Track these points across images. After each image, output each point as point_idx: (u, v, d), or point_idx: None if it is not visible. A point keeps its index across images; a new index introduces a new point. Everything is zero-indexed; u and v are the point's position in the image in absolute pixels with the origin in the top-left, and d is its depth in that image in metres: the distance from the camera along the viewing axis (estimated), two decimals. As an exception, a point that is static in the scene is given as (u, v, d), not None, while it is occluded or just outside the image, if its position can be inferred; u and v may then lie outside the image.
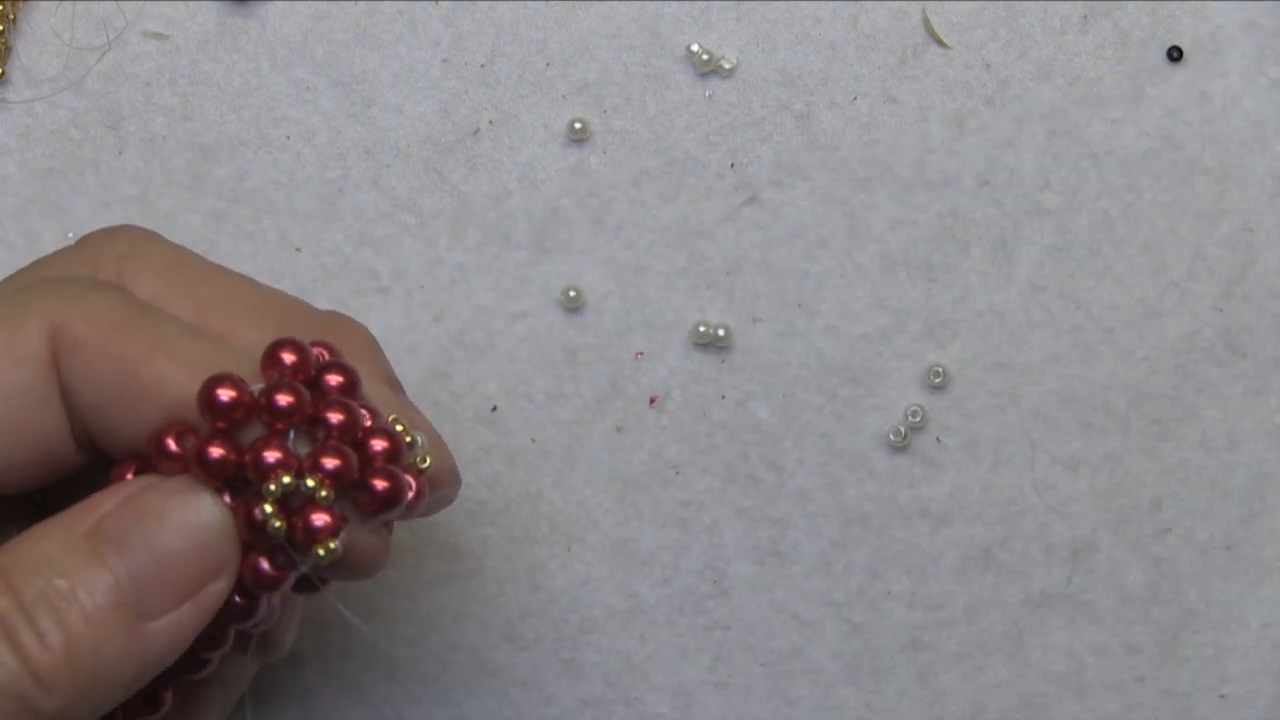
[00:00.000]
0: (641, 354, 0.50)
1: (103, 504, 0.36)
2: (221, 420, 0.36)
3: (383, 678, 0.51)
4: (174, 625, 0.36)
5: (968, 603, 0.50)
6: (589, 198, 0.50)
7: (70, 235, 0.50)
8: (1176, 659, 0.50)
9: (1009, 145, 0.50)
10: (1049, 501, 0.50)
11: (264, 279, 0.49)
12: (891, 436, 0.50)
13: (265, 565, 0.36)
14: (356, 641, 0.50)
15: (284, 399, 0.36)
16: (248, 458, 0.36)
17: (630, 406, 0.50)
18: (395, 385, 0.42)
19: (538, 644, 0.51)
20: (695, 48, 0.50)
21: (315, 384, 0.37)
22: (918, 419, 0.50)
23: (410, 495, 0.37)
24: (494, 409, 0.50)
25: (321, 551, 0.36)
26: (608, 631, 0.51)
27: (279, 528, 0.36)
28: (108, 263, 0.41)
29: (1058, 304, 0.50)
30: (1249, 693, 0.50)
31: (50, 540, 0.35)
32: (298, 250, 0.50)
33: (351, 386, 0.37)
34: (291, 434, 0.36)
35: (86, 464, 0.39)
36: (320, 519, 0.36)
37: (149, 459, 0.37)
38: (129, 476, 0.37)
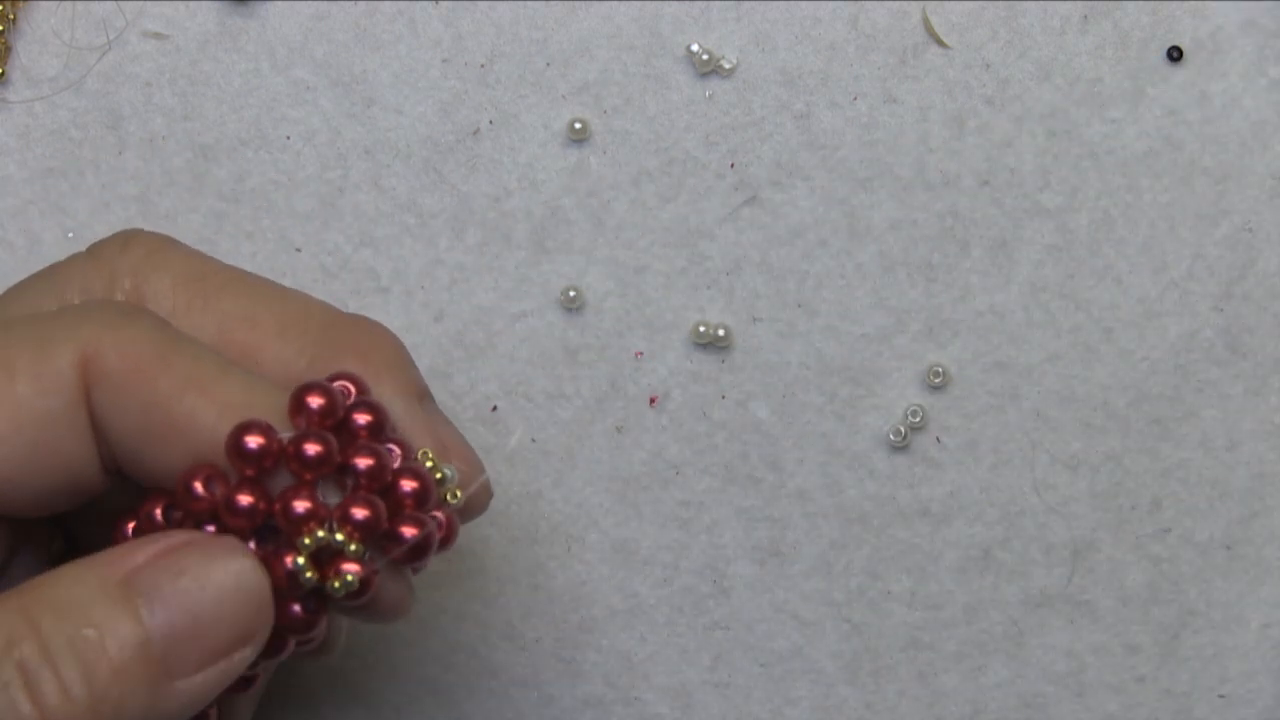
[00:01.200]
0: (641, 354, 0.50)
1: (139, 553, 0.35)
2: (250, 468, 0.36)
3: (383, 678, 0.51)
4: (199, 686, 0.35)
5: (968, 603, 0.50)
6: (589, 198, 0.50)
7: (70, 235, 0.50)
8: (1176, 659, 0.50)
9: (1009, 145, 0.50)
10: (1049, 501, 0.50)
11: (264, 279, 0.49)
12: (891, 436, 0.50)
13: (297, 609, 0.37)
14: (356, 641, 0.50)
15: (312, 449, 0.36)
16: (277, 507, 0.36)
17: (630, 406, 0.50)
18: (425, 396, 0.41)
19: (538, 644, 0.51)
20: (695, 48, 0.50)
21: (343, 423, 0.37)
22: (918, 419, 0.50)
23: (439, 536, 0.37)
24: (494, 409, 0.50)
25: (336, 584, 0.36)
26: (608, 631, 0.51)
27: (311, 578, 0.36)
28: (123, 272, 0.40)
29: (1058, 304, 0.50)
30: (1249, 693, 0.50)
31: (83, 586, 0.35)
32: (298, 250, 0.50)
33: (379, 426, 0.38)
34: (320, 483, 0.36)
35: (113, 488, 0.39)
36: (350, 569, 0.36)
37: (176, 500, 0.37)
38: (157, 513, 0.37)
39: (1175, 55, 0.50)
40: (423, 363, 0.50)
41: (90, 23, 0.50)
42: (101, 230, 0.50)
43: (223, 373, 0.37)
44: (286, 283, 0.50)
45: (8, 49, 0.50)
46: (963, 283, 0.50)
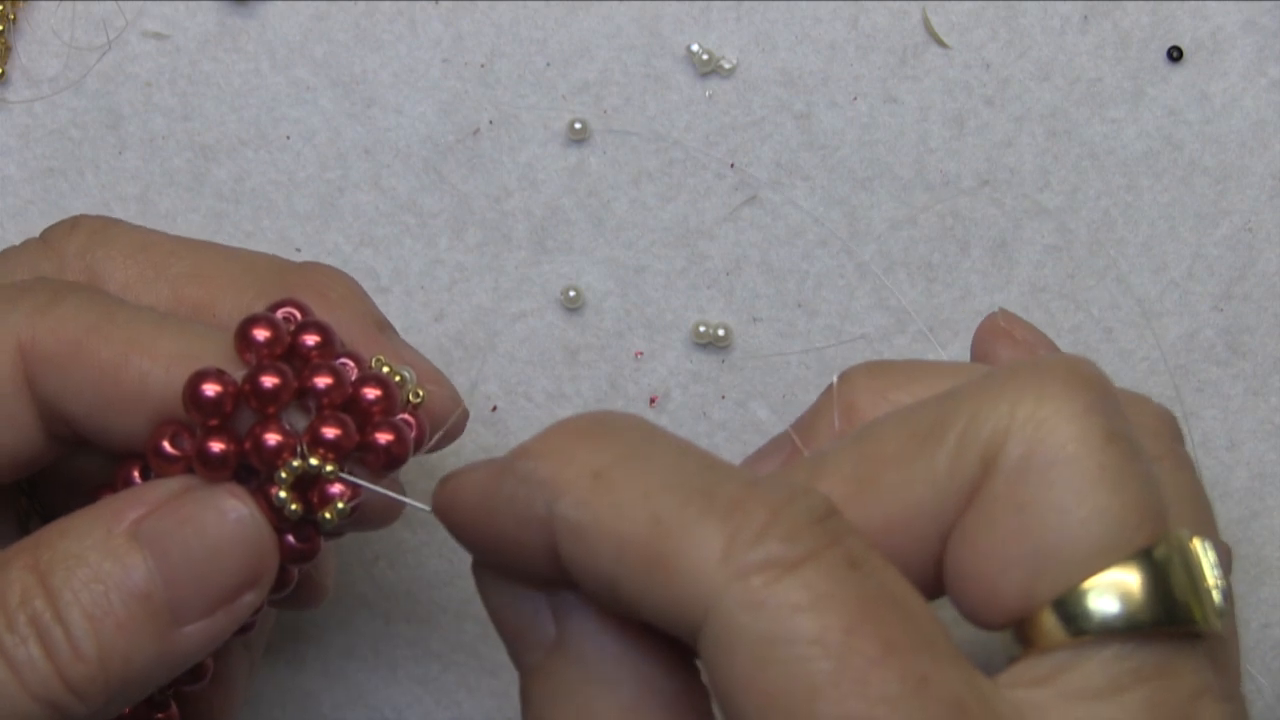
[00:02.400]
0: (641, 354, 0.50)
1: (140, 501, 0.36)
2: (212, 417, 0.36)
3: (383, 678, 0.51)
4: (205, 631, 0.36)
5: (968, 603, 0.50)
6: (589, 198, 0.50)
7: (70, 235, 0.50)
8: (1176, 659, 0.50)
9: (1009, 145, 0.50)
10: (1049, 501, 0.50)
11: (264, 279, 0.49)
12: (891, 436, 0.50)
13: (292, 540, 0.37)
14: (357, 642, 0.50)
15: (269, 382, 0.36)
16: (248, 445, 0.36)
17: (630, 406, 0.50)
18: (385, 326, 0.41)
19: (538, 644, 0.50)
20: (695, 48, 0.50)
21: (293, 349, 0.37)
22: (918, 419, 0.50)
23: (414, 436, 0.37)
24: (494, 409, 0.50)
25: (328, 515, 0.36)
26: (608, 631, 0.50)
27: (296, 510, 0.36)
28: (72, 256, 0.40)
29: (1058, 304, 0.50)
30: (1249, 693, 0.50)
31: (89, 539, 0.35)
32: (298, 250, 0.50)
33: (329, 343, 0.37)
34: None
35: (78, 454, 0.39)
36: (337, 493, 0.36)
37: (149, 463, 0.37)
38: (135, 476, 0.37)
39: (1175, 55, 0.50)
40: (423, 363, 0.50)
41: (90, 23, 0.50)
42: (101, 230, 0.50)
43: (159, 327, 0.37)
44: (286, 283, 0.50)
45: (8, 49, 0.50)
46: (963, 283, 0.50)
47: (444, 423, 0.40)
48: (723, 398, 0.50)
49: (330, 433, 0.36)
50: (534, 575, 0.34)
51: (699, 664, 0.32)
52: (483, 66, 0.50)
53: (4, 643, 0.34)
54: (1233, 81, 0.50)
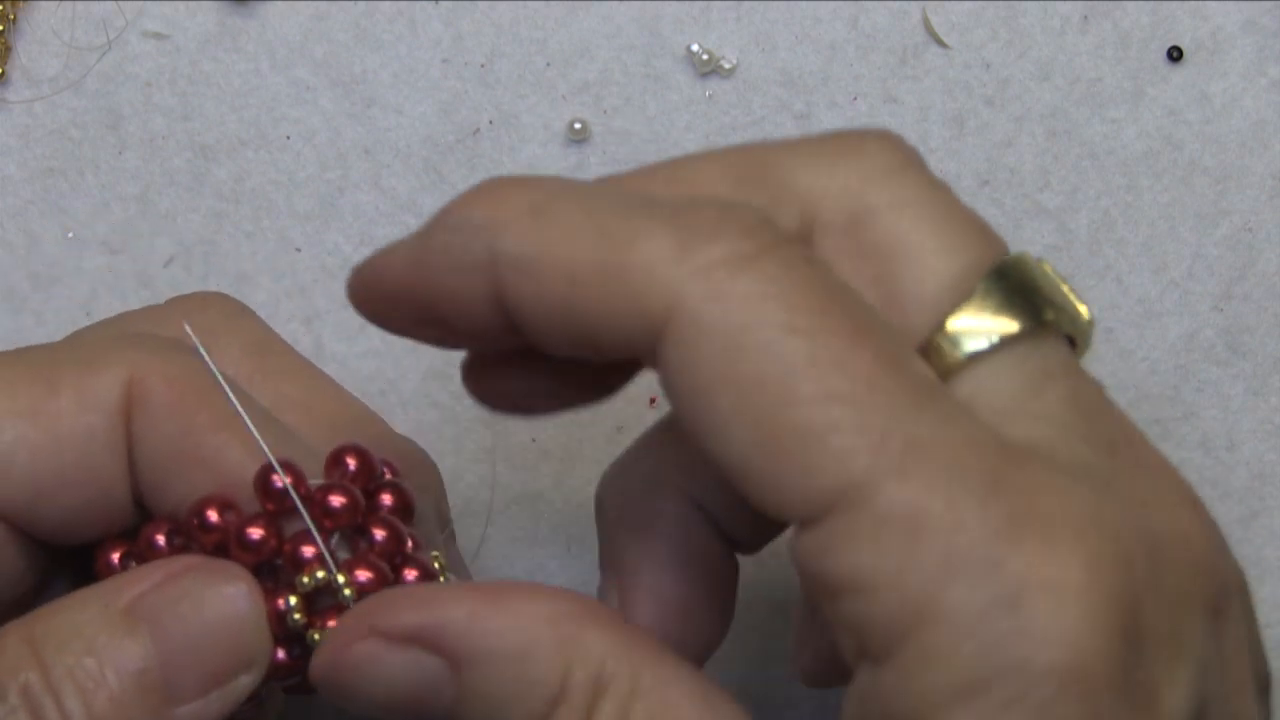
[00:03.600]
0: (641, 354, 0.50)
1: (143, 580, 0.35)
2: (271, 503, 0.36)
3: (383, 678, 0.51)
4: (199, 713, 0.35)
5: (968, 603, 0.50)
6: (589, 198, 0.50)
7: (70, 235, 0.50)
8: (1176, 659, 0.50)
9: (1009, 145, 0.50)
10: (1049, 501, 0.50)
11: (264, 279, 0.49)
12: (891, 436, 0.50)
13: (281, 655, 0.36)
14: (356, 641, 0.50)
15: (337, 499, 0.36)
16: (287, 548, 0.36)
17: (630, 407, 0.50)
18: (448, 531, 0.41)
19: (538, 644, 0.50)
20: (695, 48, 0.50)
21: (370, 497, 0.37)
22: (918, 419, 0.50)
23: None
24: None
25: (317, 635, 0.36)
26: (608, 631, 0.50)
27: (299, 620, 0.36)
28: (195, 328, 0.40)
29: (1058, 304, 0.50)
30: (1249, 693, 0.50)
31: (85, 612, 0.35)
32: (298, 250, 0.50)
33: (405, 510, 0.38)
34: (335, 537, 0.36)
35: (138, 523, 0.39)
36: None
37: (185, 526, 0.37)
38: (159, 539, 0.37)
39: (1175, 55, 0.50)
40: (423, 363, 0.50)
41: (90, 23, 0.50)
42: (102, 230, 0.50)
43: (263, 421, 0.37)
44: (286, 283, 0.50)
45: (8, 49, 0.50)
46: (963, 283, 0.50)
47: None
48: (723, 398, 0.50)
49: (363, 575, 0.36)
50: (475, 333, 0.33)
51: (659, 383, 0.31)
52: (483, 66, 0.50)
53: None
54: (1233, 81, 0.50)
